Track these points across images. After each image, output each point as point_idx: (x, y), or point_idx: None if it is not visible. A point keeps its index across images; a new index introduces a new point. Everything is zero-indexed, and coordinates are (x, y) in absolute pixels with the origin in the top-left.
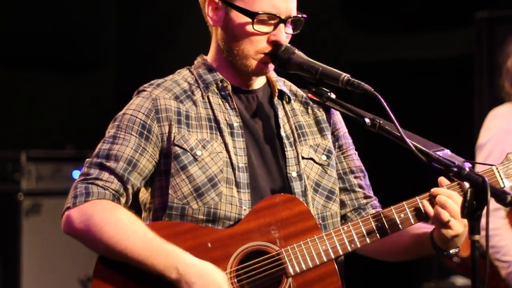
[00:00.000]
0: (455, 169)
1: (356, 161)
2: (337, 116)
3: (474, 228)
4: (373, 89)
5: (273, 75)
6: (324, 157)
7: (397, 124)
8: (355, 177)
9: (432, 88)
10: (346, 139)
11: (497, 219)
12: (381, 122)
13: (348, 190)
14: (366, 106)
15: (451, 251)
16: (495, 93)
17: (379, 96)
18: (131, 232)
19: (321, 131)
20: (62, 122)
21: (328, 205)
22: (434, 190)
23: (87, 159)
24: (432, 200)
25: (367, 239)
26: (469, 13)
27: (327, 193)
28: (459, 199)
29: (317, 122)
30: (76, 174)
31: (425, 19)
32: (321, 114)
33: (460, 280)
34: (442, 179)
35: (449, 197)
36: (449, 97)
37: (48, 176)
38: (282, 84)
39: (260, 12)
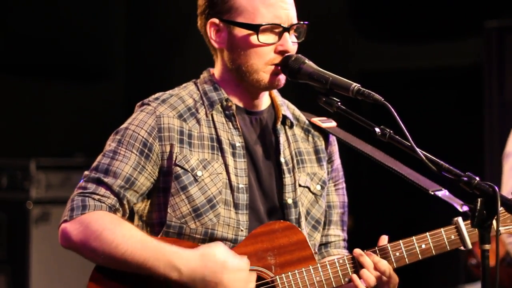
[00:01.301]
0: (466, 178)
1: (342, 196)
2: (334, 148)
3: (484, 238)
4: (383, 99)
5: (278, 98)
6: (318, 187)
7: (407, 133)
8: (336, 213)
9: (441, 97)
10: (338, 172)
11: None
12: (391, 132)
13: (324, 224)
14: (374, 116)
15: None
16: (505, 102)
17: (390, 106)
18: (129, 236)
19: (319, 160)
20: (71, 130)
21: (313, 235)
22: (356, 253)
23: (86, 172)
24: (354, 262)
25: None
26: (478, 22)
27: (314, 222)
28: (385, 266)
29: (316, 151)
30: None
31: (434, 28)
32: (321, 144)
33: None
34: (382, 238)
35: (368, 269)
36: (458, 106)
37: (57, 185)
38: (286, 108)
39: (263, 24)
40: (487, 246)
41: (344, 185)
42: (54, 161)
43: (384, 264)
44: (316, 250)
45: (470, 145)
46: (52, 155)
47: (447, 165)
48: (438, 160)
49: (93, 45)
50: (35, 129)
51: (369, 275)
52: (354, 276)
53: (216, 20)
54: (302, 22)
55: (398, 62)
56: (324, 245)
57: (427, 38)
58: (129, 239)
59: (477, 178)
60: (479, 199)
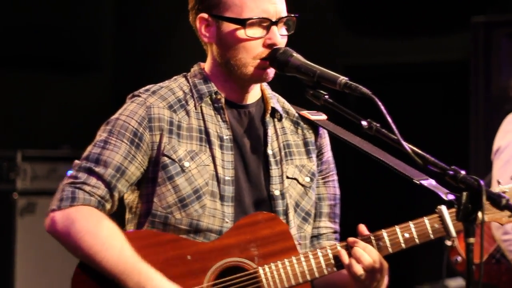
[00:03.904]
0: (451, 172)
1: (333, 188)
2: (325, 140)
3: (469, 232)
4: (370, 92)
5: (267, 90)
6: (307, 179)
7: (394, 127)
8: (326, 205)
9: (427, 92)
10: (329, 164)
11: None
12: (378, 125)
13: (315, 216)
14: (360, 109)
15: None
16: (491, 97)
17: (377, 99)
18: (108, 246)
19: (308, 152)
20: (58, 122)
21: (303, 227)
22: (350, 240)
23: (76, 161)
24: (349, 249)
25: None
26: (465, 17)
27: (304, 214)
28: (374, 252)
29: (305, 144)
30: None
31: (421, 23)
32: (310, 136)
33: (453, 283)
34: (361, 227)
35: (364, 250)
36: (444, 101)
37: (43, 176)
38: (276, 101)
39: (250, 18)
40: (471, 240)
41: (335, 177)
42: (40, 152)
43: (371, 250)
44: (308, 242)
45: (456, 140)
46: (38, 147)
47: (433, 159)
48: (424, 153)
49: (81, 36)
50: (22, 120)
51: (357, 265)
52: (350, 260)
53: (205, 15)
54: (291, 15)
55: (384, 56)
56: (316, 237)
57: (413, 33)
58: (108, 249)
59: (463, 172)
60: (464, 193)
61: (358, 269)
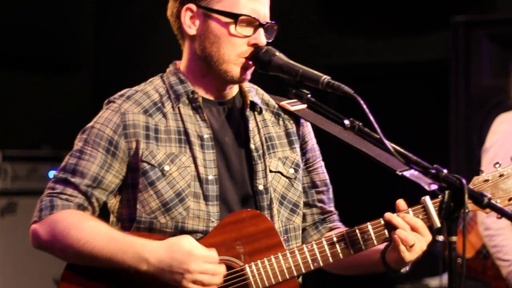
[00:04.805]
0: (433, 171)
1: (321, 174)
2: (307, 128)
3: (451, 230)
4: (353, 91)
5: (245, 84)
6: (291, 171)
7: (376, 126)
8: (318, 192)
9: (407, 92)
10: (314, 152)
11: (502, 219)
12: (360, 124)
13: (309, 205)
14: (341, 109)
15: (402, 270)
16: (471, 96)
17: (359, 98)
18: (96, 232)
19: (290, 143)
20: (38, 121)
21: (292, 218)
22: (387, 216)
23: (55, 173)
24: (388, 225)
25: (330, 259)
26: (446, 17)
27: (291, 206)
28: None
29: (287, 134)
30: (52, 174)
31: (401, 22)
32: (291, 127)
33: (433, 282)
34: (400, 203)
35: (409, 219)
36: (424, 100)
37: (23, 176)
38: (255, 93)
39: (244, 14)
40: (454, 238)
41: (322, 163)
42: (21, 152)
43: (418, 221)
44: (298, 233)
45: (436, 139)
46: (19, 146)
47: (415, 158)
48: (406, 152)
49: (62, 36)
50: (2, 120)
51: (406, 234)
52: (395, 237)
53: (193, 6)
54: (274, 23)
55: (365, 56)
56: (320, 222)
57: (394, 32)
58: (97, 235)
59: (445, 171)
60: (446, 191)
61: (411, 239)
